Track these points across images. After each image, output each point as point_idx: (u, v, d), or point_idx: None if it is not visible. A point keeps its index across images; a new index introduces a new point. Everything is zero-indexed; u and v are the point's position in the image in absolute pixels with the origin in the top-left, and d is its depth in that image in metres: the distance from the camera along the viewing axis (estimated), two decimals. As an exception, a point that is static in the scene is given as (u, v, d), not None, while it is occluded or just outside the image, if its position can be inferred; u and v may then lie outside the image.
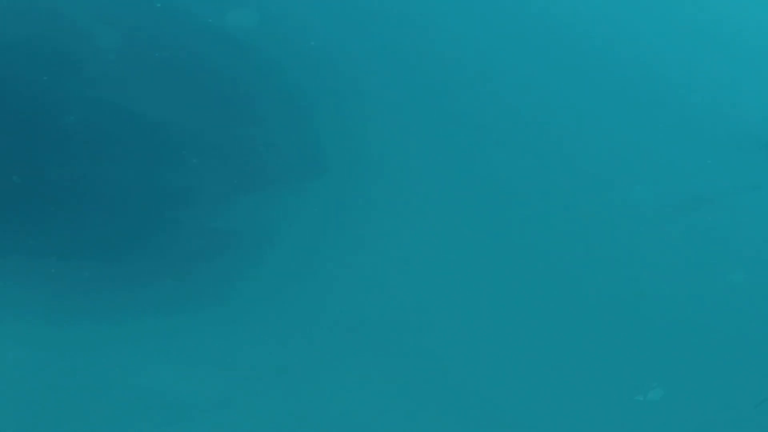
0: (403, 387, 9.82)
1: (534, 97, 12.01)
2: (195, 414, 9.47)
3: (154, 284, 10.31)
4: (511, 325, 10.30)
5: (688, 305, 10.52)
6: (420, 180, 11.44)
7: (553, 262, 10.84)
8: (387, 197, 11.27)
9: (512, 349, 10.12)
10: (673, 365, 10.02)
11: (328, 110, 11.83)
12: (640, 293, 10.60)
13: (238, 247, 10.77)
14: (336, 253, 10.81)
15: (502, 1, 12.64)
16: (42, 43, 11.76)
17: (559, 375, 9.96)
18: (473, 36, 12.51)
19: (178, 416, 9.39)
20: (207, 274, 10.52)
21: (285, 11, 12.37)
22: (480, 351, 10.07)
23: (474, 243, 10.97)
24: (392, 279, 10.66)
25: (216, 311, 10.23)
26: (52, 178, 10.90)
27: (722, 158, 11.74)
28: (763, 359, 10.13)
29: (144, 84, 11.75)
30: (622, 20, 12.61)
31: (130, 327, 9.97)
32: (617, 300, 10.55)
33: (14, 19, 11.72)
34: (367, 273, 10.70)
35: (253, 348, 9.98)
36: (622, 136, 11.86)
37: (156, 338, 9.93)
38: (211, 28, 12.15)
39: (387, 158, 11.58)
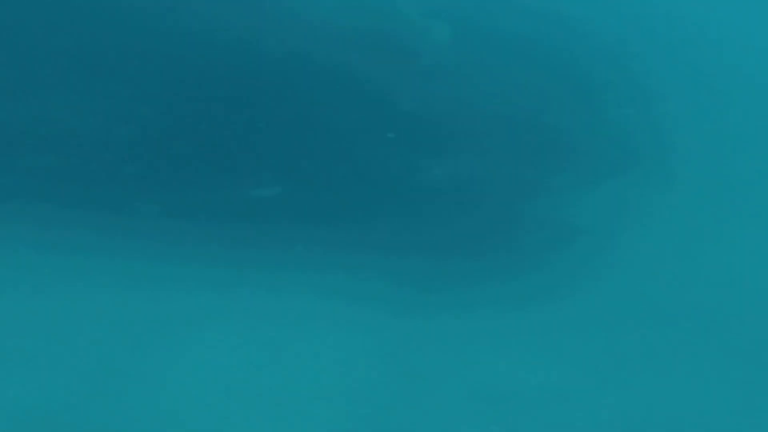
0: (740, 385, 9.50)
1: None
2: (531, 408, 9.28)
3: (499, 278, 10.29)
4: None
5: None
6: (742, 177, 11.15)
7: None
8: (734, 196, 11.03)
9: None
10: None
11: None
12: None
13: (581, 241, 10.71)
14: (677, 250, 10.59)
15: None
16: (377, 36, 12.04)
17: None
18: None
19: (513, 409, 9.25)
20: (550, 267, 10.47)
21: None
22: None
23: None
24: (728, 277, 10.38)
25: (553, 304, 10.11)
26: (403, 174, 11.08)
27: None
28: None
29: (482, 76, 11.99)
30: None
31: (471, 319, 9.91)
32: None
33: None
34: (709, 269, 10.44)
35: (588, 341, 9.80)
36: None
37: (494, 330, 9.82)
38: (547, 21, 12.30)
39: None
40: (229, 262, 10.11)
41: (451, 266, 10.38)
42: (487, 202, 11.00)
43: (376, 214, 10.75)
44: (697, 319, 9.98)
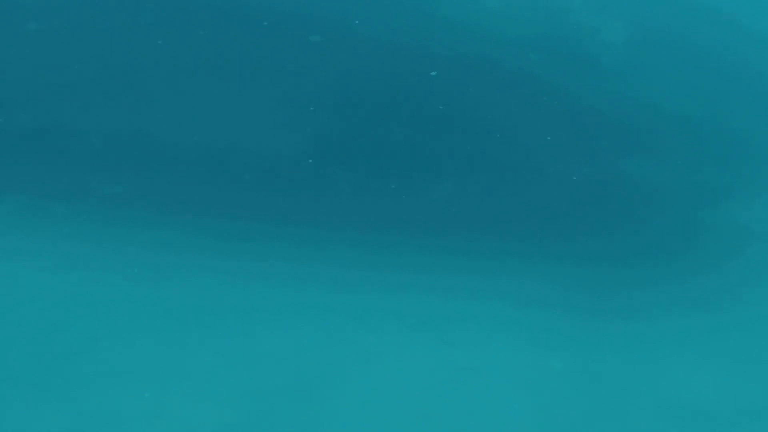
0: None
1: None
2: (721, 422, 9.04)
3: (680, 284, 10.10)
4: None
5: None
6: None
7: None
8: None
9: None
10: None
11: None
12: None
13: (761, 246, 10.50)
14: None
15: None
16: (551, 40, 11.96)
17: None
18: None
19: (703, 424, 8.97)
20: (730, 272, 10.28)
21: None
22: None
23: None
24: None
25: (734, 309, 9.92)
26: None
27: None
28: None
29: (660, 77, 11.88)
30: None
31: (653, 324, 9.75)
32: None
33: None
34: None
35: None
36: None
37: (677, 335, 9.67)
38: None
39: None
40: (401, 269, 10.06)
41: (630, 271, 10.20)
42: (667, 205, 10.81)
43: (553, 219, 10.61)
44: None
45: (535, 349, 9.47)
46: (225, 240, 10.09)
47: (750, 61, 12.21)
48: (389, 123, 11.29)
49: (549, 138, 11.23)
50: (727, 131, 11.50)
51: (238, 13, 12.19)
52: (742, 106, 11.79)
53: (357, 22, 12.20)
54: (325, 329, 9.49)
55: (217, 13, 12.14)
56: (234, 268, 9.88)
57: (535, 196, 10.76)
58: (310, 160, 10.88)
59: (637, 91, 11.77)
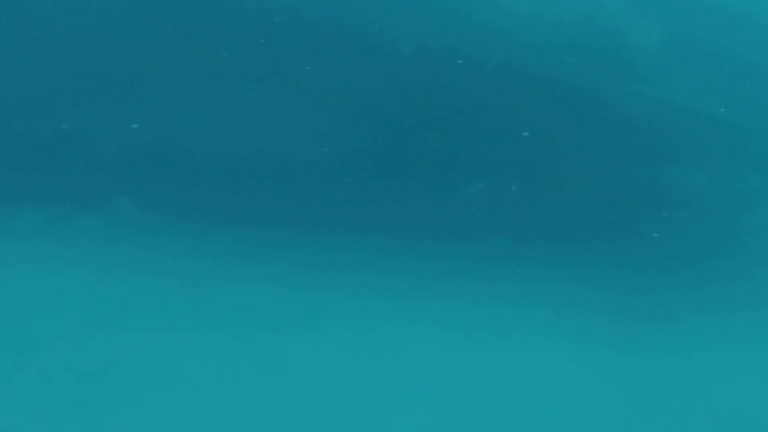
0: None
1: None
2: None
3: (715, 289, 10.06)
4: None
5: None
6: None
7: None
8: None
9: None
10: None
11: None
12: None
13: None
14: None
15: None
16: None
17: None
18: None
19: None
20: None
21: None
22: None
23: None
24: None
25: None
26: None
27: None
28: None
29: (696, 81, 11.86)
30: None
31: (684, 331, 9.71)
32: None
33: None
34: None
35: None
36: None
37: (717, 343, 9.63)
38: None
39: None
40: (438, 275, 10.03)
41: (669, 276, 10.13)
42: (705, 210, 10.72)
43: (589, 223, 10.55)
44: None
45: (576, 355, 9.43)
46: (262, 247, 10.11)
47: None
48: (422, 129, 11.27)
49: (584, 142, 11.17)
50: (763, 135, 11.40)
51: (263, 20, 12.21)
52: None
53: (389, 29, 12.21)
54: (362, 336, 9.48)
55: (243, 21, 12.17)
56: (269, 275, 9.88)
57: (570, 200, 10.69)
58: (342, 168, 10.90)
59: (672, 95, 11.69)
